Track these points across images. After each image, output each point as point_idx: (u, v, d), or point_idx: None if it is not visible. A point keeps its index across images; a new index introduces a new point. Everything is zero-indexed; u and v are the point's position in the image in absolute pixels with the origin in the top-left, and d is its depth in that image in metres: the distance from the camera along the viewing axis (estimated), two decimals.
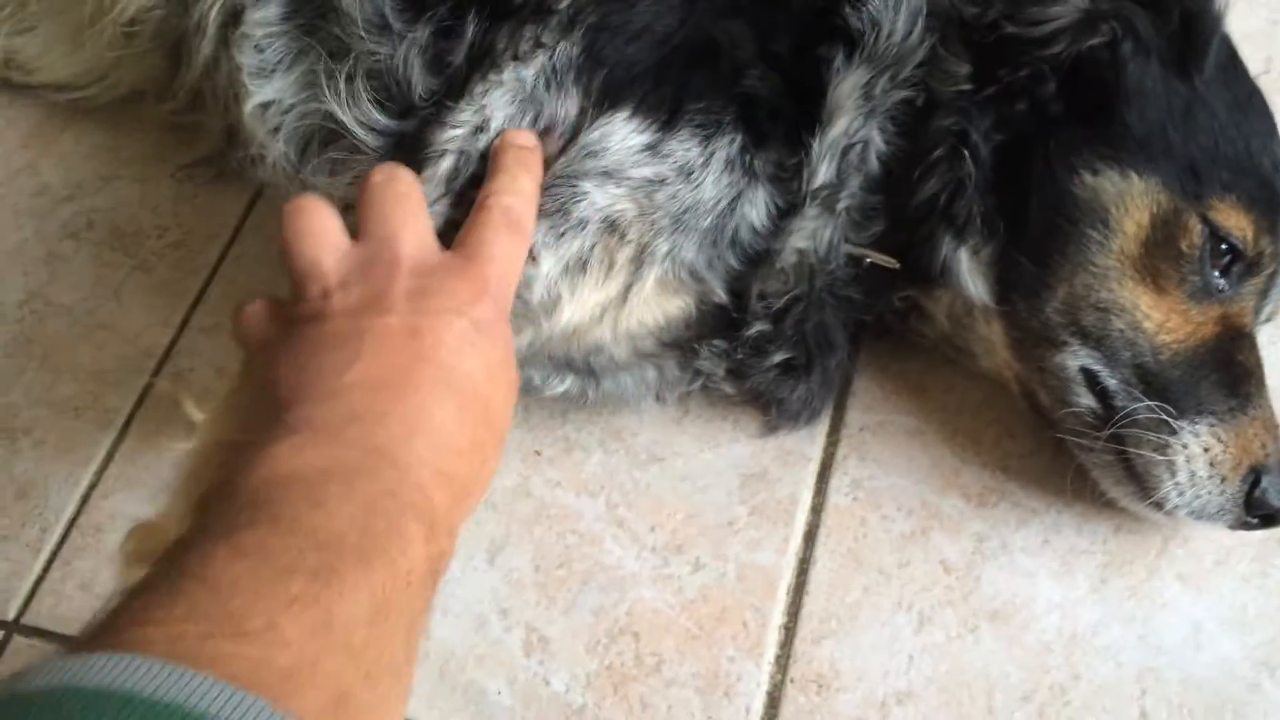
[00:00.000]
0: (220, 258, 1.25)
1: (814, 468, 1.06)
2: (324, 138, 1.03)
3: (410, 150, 0.93)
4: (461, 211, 0.88)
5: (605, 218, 0.90)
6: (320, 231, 0.83)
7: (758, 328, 1.00)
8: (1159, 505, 0.93)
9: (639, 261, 0.93)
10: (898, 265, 0.99)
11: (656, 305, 0.97)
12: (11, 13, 1.33)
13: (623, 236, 0.91)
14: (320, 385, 0.74)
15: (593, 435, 1.09)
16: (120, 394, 1.16)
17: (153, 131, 1.34)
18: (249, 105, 1.05)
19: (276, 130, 1.05)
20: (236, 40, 1.07)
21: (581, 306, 0.94)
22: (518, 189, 0.86)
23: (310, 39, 1.05)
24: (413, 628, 0.67)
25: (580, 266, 0.91)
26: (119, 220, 1.29)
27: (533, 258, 0.89)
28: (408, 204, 0.84)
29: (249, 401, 0.80)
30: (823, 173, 0.93)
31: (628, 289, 0.94)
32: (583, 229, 0.90)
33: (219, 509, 0.67)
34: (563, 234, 0.90)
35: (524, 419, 1.10)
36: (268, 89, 1.05)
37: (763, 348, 1.01)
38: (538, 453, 1.08)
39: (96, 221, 1.29)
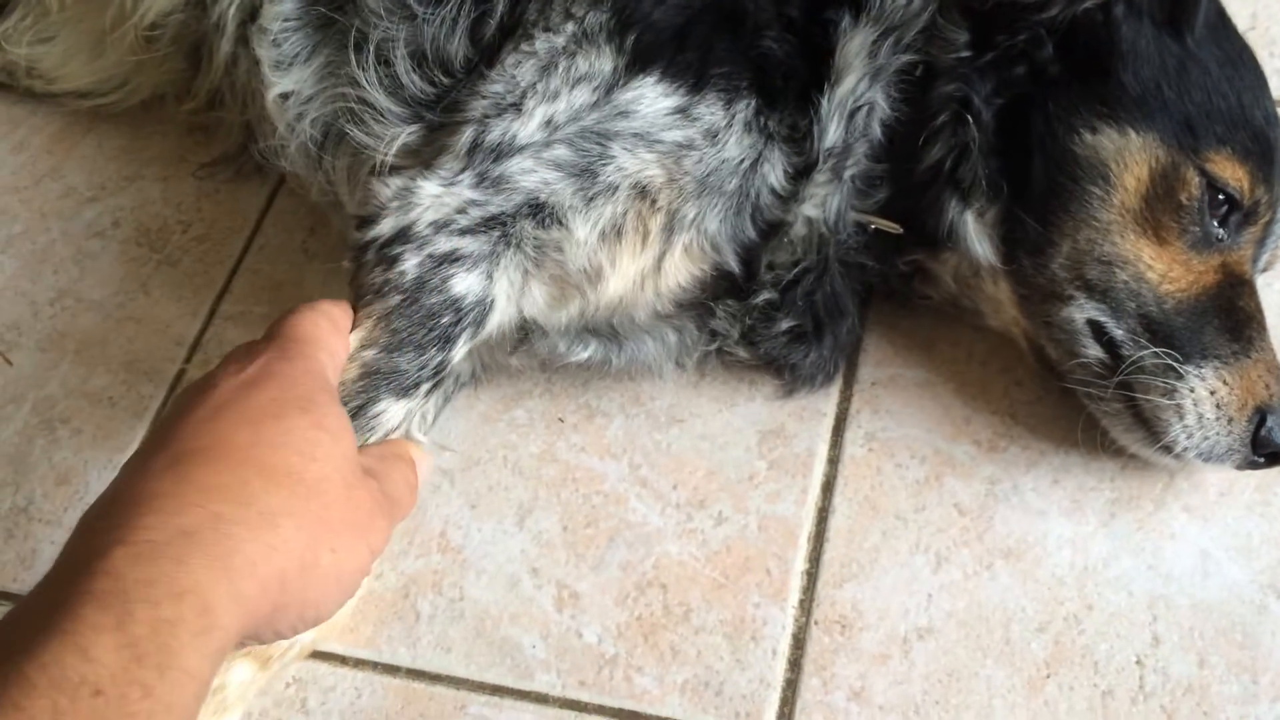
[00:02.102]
0: (244, 249, 1.31)
1: (829, 422, 1.11)
2: (343, 127, 1.09)
3: (435, 126, 0.99)
4: (484, 192, 0.94)
5: (635, 183, 0.96)
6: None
7: (765, 296, 1.05)
8: (1168, 449, 0.98)
9: (669, 229, 0.98)
10: (901, 231, 1.05)
11: (684, 271, 1.02)
12: (32, 22, 1.40)
13: (654, 203, 0.97)
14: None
15: (614, 401, 1.15)
16: (153, 382, 1.22)
17: (172, 133, 1.41)
18: (270, 96, 1.11)
19: (297, 120, 1.11)
20: (255, 35, 1.13)
21: (624, 277, 0.99)
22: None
23: (327, 31, 1.11)
24: None
25: (616, 234, 0.97)
26: (144, 218, 1.35)
27: (559, 221, 0.95)
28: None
29: None
30: (832, 131, 0.98)
31: (661, 256, 1.00)
32: (613, 194, 0.95)
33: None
34: (592, 198, 0.95)
35: (547, 388, 1.16)
36: (287, 80, 1.11)
37: (770, 315, 1.06)
38: (561, 420, 1.14)
39: (122, 220, 1.35)
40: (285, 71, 1.12)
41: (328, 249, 1.27)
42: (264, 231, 1.33)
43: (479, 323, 0.95)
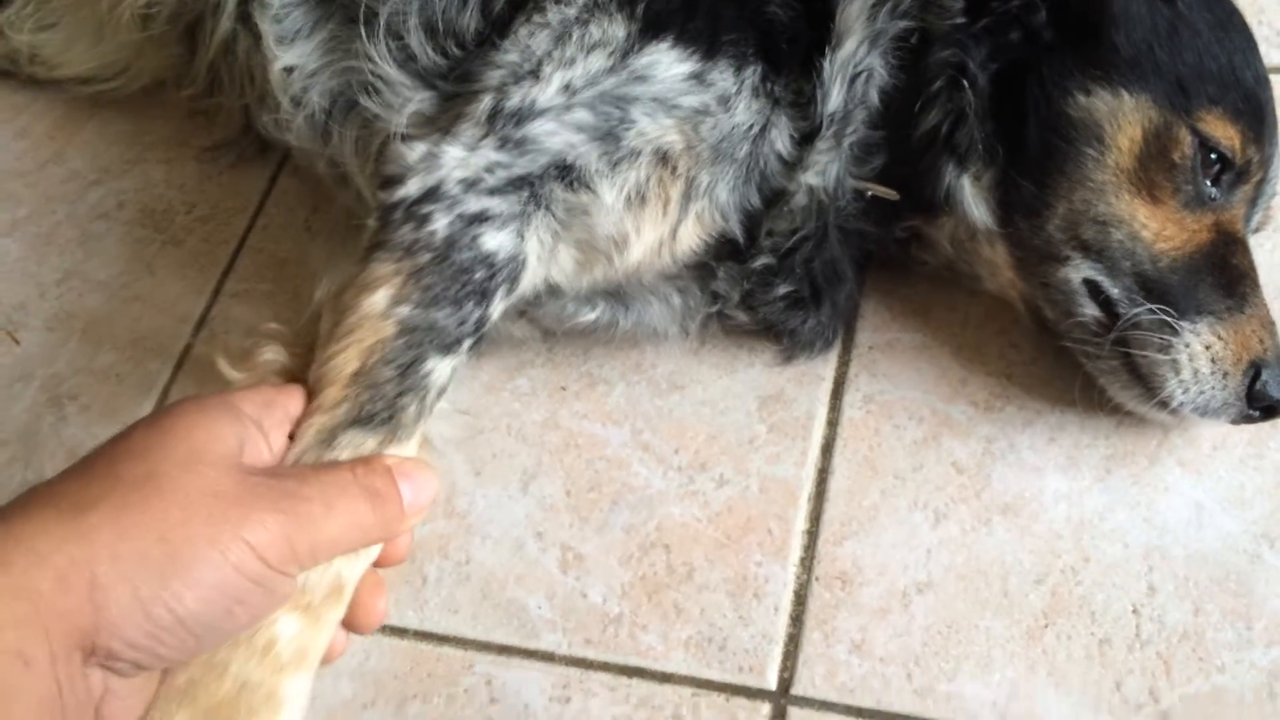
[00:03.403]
0: (248, 228, 1.35)
1: (828, 386, 1.15)
2: (349, 100, 1.13)
3: (449, 95, 1.02)
4: (509, 154, 0.97)
5: (656, 149, 0.99)
6: None
7: (763, 261, 1.09)
8: (1164, 404, 1.02)
9: (687, 197, 1.02)
10: (897, 197, 1.09)
11: (695, 238, 1.06)
12: (34, 9, 1.44)
13: (674, 170, 1.00)
14: None
15: (615, 370, 1.18)
16: (160, 359, 1.26)
17: (174, 118, 1.45)
18: (274, 70, 1.14)
19: (303, 93, 1.14)
20: (256, 10, 1.17)
21: (645, 244, 1.03)
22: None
23: (328, 6, 1.15)
24: None
25: (640, 200, 1.00)
26: (147, 200, 1.39)
27: (586, 185, 0.98)
28: None
29: None
30: (835, 95, 1.02)
31: (677, 224, 1.03)
32: (636, 159, 0.99)
33: None
34: (616, 163, 0.98)
35: (549, 358, 1.19)
36: (290, 55, 1.14)
37: (769, 281, 1.10)
38: (563, 388, 1.18)
39: (126, 202, 1.39)
40: (288, 46, 1.15)
41: (330, 226, 1.30)
42: (267, 211, 1.37)
43: (513, 279, 0.97)
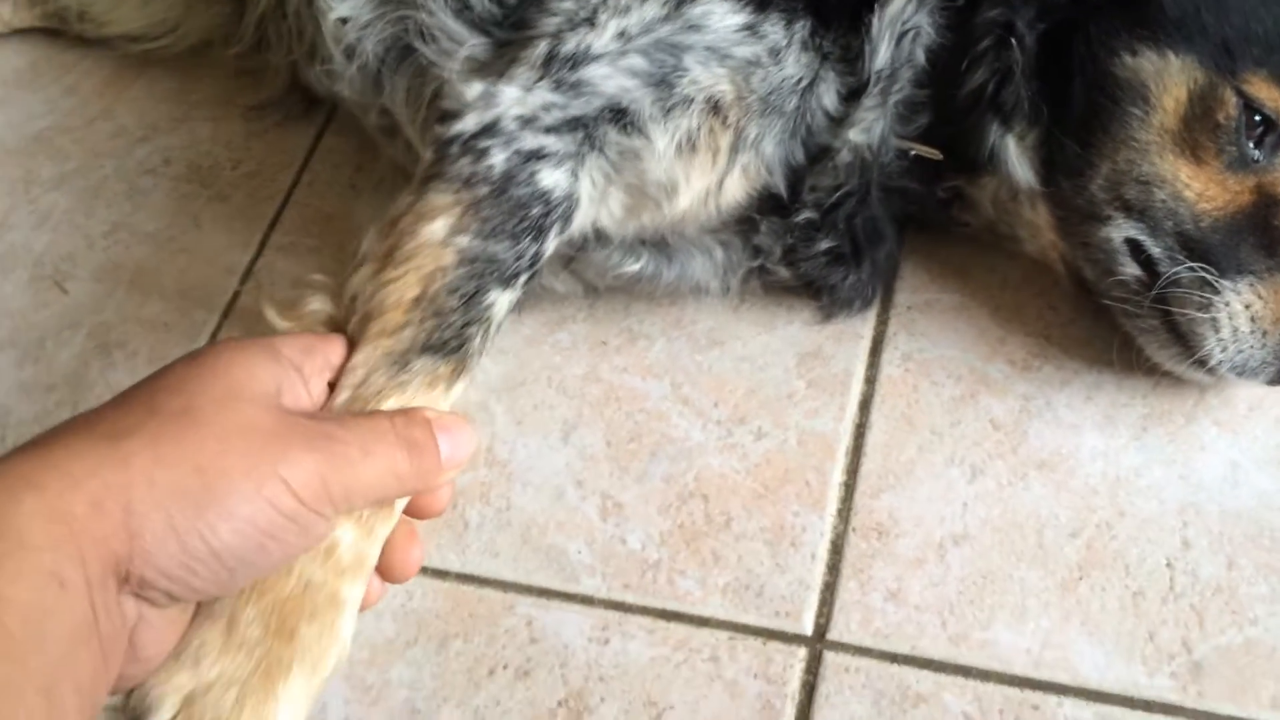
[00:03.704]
0: (293, 184, 1.37)
1: (866, 344, 1.17)
2: (402, 50, 1.15)
3: (502, 42, 1.04)
4: (564, 95, 0.99)
5: (709, 97, 1.01)
6: None
7: (806, 215, 1.11)
8: (1203, 363, 1.03)
9: (735, 148, 1.04)
10: (940, 156, 1.11)
11: (740, 190, 1.08)
12: None
13: (724, 120, 1.02)
14: None
15: (655, 325, 1.20)
16: (206, 309, 1.28)
17: (221, 76, 1.47)
18: (328, 21, 1.17)
19: (356, 44, 1.17)
20: None
21: (693, 193, 1.05)
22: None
23: None
24: None
25: (690, 148, 1.02)
26: (194, 156, 1.42)
27: (640, 130, 1.00)
28: None
29: None
30: (882, 52, 1.04)
31: (724, 175, 1.05)
32: (689, 107, 1.01)
33: None
34: (670, 109, 1.01)
35: (589, 313, 1.22)
36: (344, 6, 1.17)
37: (811, 235, 1.12)
38: (604, 343, 1.20)
39: (173, 158, 1.42)
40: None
41: (375, 183, 1.33)
42: (312, 168, 1.39)
43: (567, 217, 0.99)
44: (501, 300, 0.94)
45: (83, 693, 0.63)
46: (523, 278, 0.96)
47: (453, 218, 0.94)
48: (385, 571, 0.84)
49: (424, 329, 0.89)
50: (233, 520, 0.67)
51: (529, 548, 1.09)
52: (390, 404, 0.86)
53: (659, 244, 1.13)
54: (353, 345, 0.90)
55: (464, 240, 0.93)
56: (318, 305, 1.22)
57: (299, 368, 0.81)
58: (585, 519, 1.10)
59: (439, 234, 0.93)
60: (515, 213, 0.95)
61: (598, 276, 1.17)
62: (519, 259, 0.95)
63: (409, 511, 0.85)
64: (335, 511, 0.73)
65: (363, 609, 0.82)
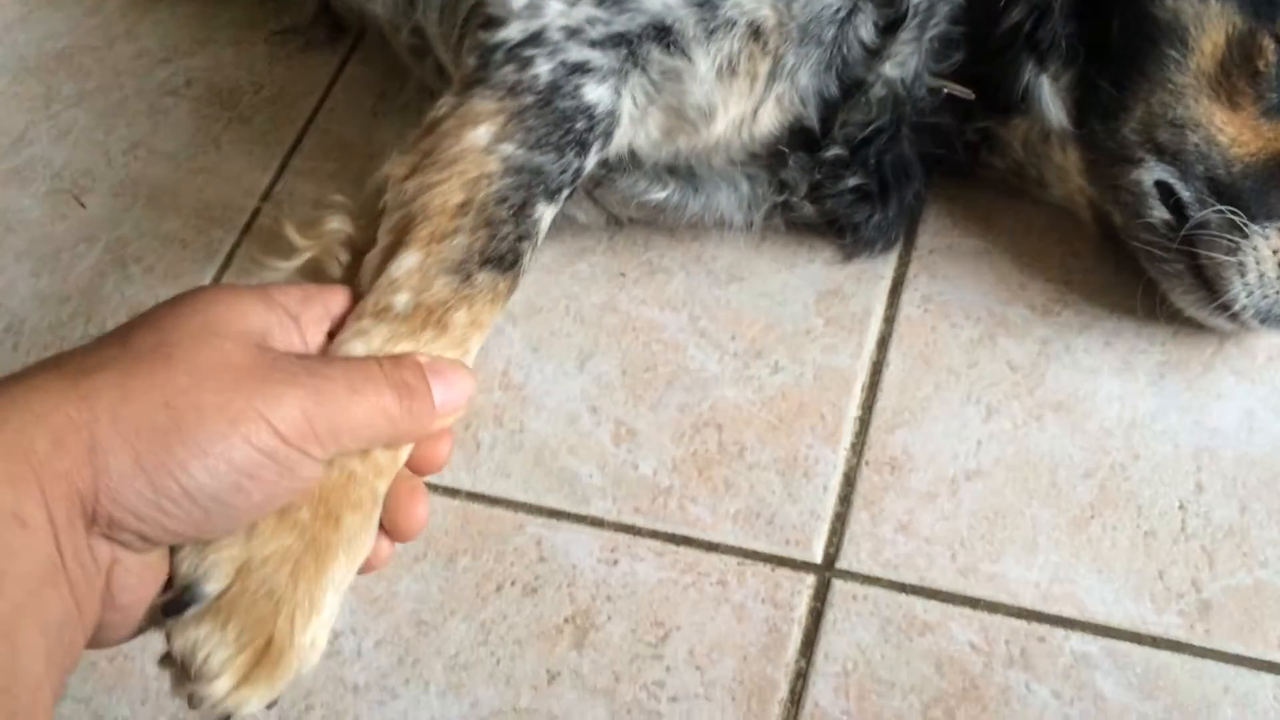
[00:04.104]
0: (315, 110, 1.38)
1: (886, 285, 1.17)
2: None
3: None
4: (608, 10, 0.99)
5: (751, 22, 1.02)
6: None
7: (835, 151, 1.11)
8: (1226, 308, 1.04)
9: (772, 75, 1.05)
10: (973, 96, 1.11)
11: (774, 120, 1.08)
12: None
13: (764, 45, 1.03)
14: None
15: (675, 259, 1.21)
16: (224, 228, 1.29)
17: (245, 2, 1.48)
18: None
19: None
20: None
21: (729, 119, 1.05)
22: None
23: None
24: None
25: (731, 72, 1.02)
26: (216, 79, 1.42)
27: (682, 50, 1.01)
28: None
29: None
30: None
31: (760, 104, 1.06)
32: (731, 29, 1.01)
33: None
34: (713, 31, 1.01)
35: (609, 245, 1.22)
36: None
37: (839, 173, 1.12)
38: (622, 274, 1.20)
39: (194, 80, 1.42)
40: None
41: (398, 109, 1.33)
42: (334, 96, 1.40)
43: (608, 134, 0.99)
44: (547, 214, 0.94)
45: (50, 634, 0.61)
46: (565, 192, 0.96)
47: (496, 125, 0.93)
48: (391, 529, 0.81)
49: (478, 238, 0.89)
50: (205, 457, 0.64)
51: (541, 470, 1.09)
52: (459, 317, 0.86)
53: (686, 174, 1.13)
54: (395, 247, 0.88)
55: (509, 148, 0.93)
56: (337, 225, 1.22)
57: (295, 316, 0.78)
58: (598, 444, 1.10)
59: (482, 140, 0.93)
60: (560, 125, 0.95)
61: (621, 205, 1.17)
62: (563, 172, 0.94)
63: (411, 466, 0.82)
64: (323, 451, 0.70)
65: (371, 569, 0.79)
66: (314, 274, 1.20)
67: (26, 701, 0.59)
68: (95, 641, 0.68)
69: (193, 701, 0.69)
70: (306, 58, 1.43)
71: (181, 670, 0.70)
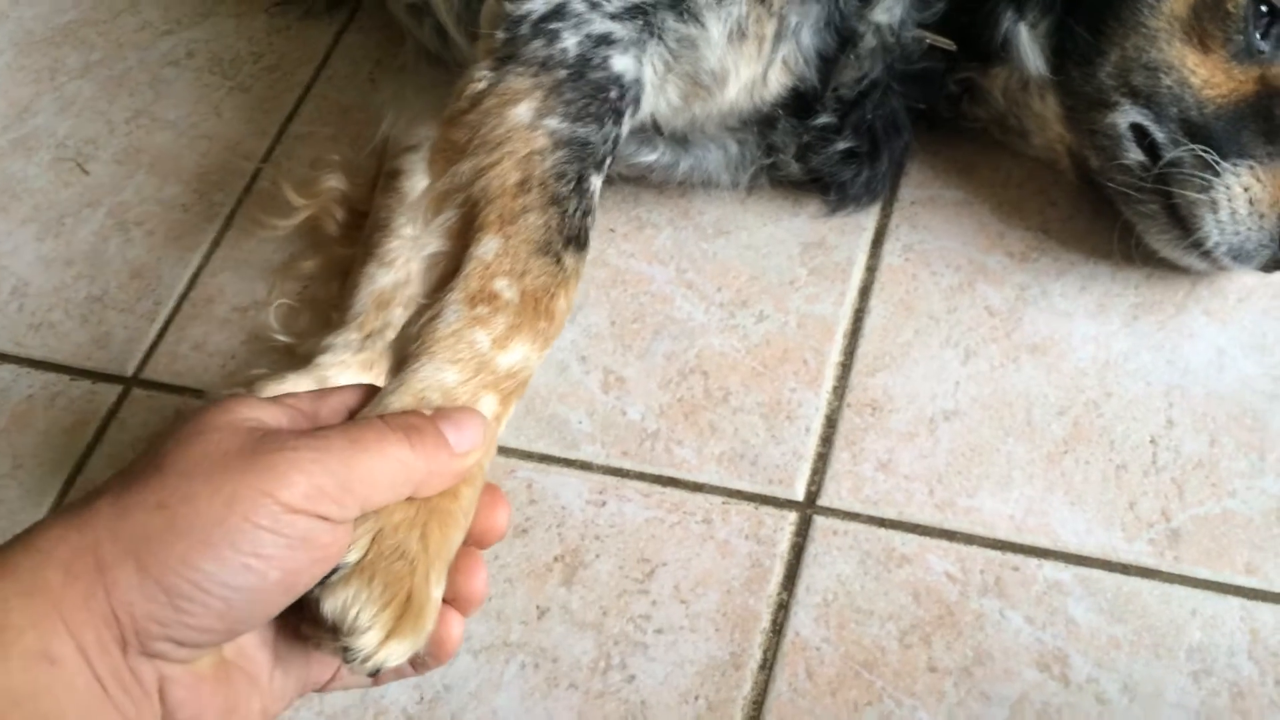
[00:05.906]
0: (313, 77, 1.45)
1: (868, 235, 1.23)
2: None
3: None
4: None
5: None
6: None
7: (824, 119, 1.17)
8: (1199, 245, 1.09)
9: (778, 36, 1.10)
10: (955, 47, 1.17)
11: (780, 83, 1.14)
12: None
13: (769, 6, 1.08)
14: None
15: (663, 215, 1.27)
16: (224, 192, 1.36)
17: None
18: None
19: None
20: None
21: (740, 83, 1.11)
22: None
23: None
24: None
25: (740, 35, 1.08)
26: (217, 49, 1.49)
27: (696, 17, 1.06)
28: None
29: None
30: None
31: (768, 66, 1.12)
32: None
33: None
34: None
35: (599, 202, 1.28)
36: None
37: (828, 138, 1.18)
38: (611, 230, 1.27)
39: (196, 50, 1.49)
40: None
41: (394, 73, 1.40)
42: (332, 63, 1.47)
43: (637, 101, 1.03)
44: (598, 185, 0.97)
45: None
46: (609, 161, 0.99)
47: (536, 100, 0.96)
48: (454, 599, 0.79)
49: (548, 216, 0.92)
50: (207, 547, 0.63)
51: (531, 417, 1.15)
52: (560, 305, 0.89)
53: (677, 137, 1.19)
54: (473, 233, 0.90)
55: (553, 123, 0.95)
56: (334, 183, 1.29)
57: (310, 413, 0.76)
58: (587, 391, 1.16)
59: (525, 117, 0.95)
60: (596, 95, 0.98)
61: (611, 165, 1.22)
62: (605, 142, 0.98)
63: (471, 539, 0.80)
64: (341, 510, 0.68)
65: (445, 658, 0.80)
66: (312, 231, 1.27)
67: None
68: None
69: (347, 656, 0.72)
70: (305, 27, 1.50)
71: (332, 630, 0.72)
